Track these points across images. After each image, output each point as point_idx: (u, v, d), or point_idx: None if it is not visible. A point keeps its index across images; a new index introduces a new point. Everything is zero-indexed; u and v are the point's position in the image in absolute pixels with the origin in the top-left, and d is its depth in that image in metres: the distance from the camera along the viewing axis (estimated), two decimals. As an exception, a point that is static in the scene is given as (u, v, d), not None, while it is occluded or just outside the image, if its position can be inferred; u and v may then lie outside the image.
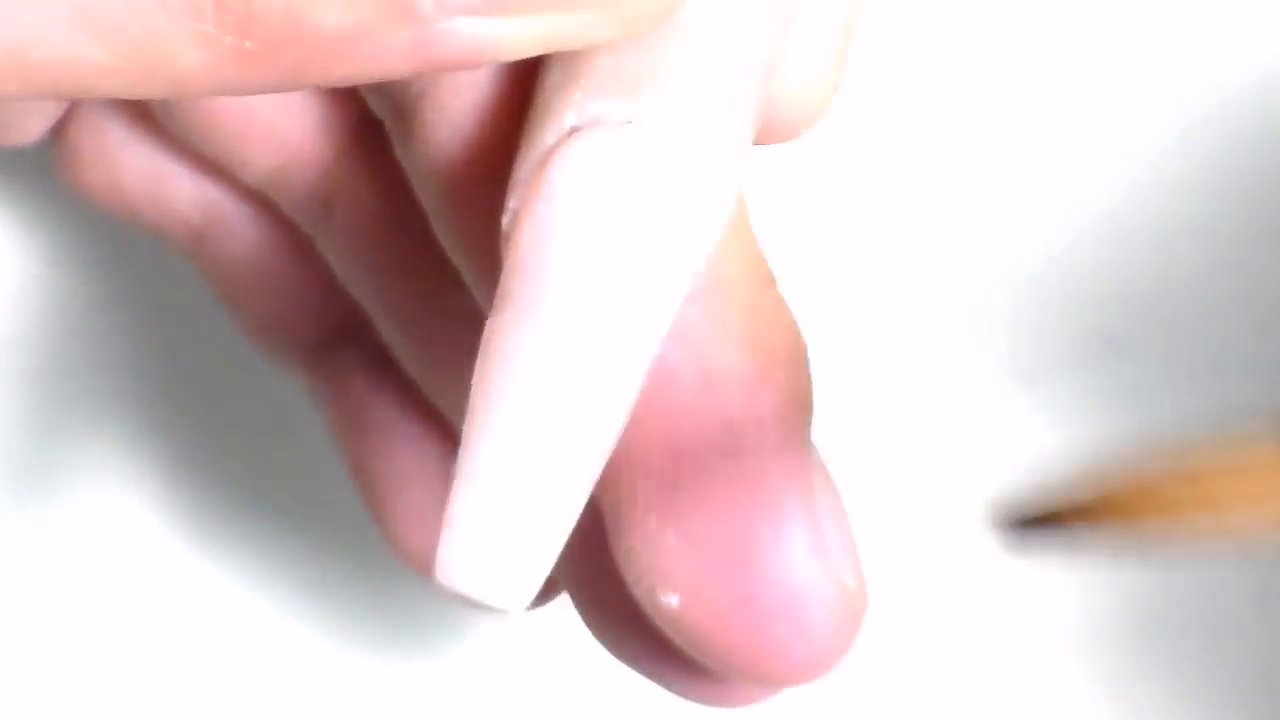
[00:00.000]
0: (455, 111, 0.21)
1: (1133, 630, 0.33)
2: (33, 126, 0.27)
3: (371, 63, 0.18)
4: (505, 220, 0.20)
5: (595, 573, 0.23)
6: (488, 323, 0.20)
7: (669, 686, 0.24)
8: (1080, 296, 0.32)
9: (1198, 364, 0.32)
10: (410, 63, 0.19)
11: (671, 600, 0.21)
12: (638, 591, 0.22)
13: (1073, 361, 0.32)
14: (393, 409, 0.27)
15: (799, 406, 0.22)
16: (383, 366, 0.27)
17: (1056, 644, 0.33)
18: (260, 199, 0.27)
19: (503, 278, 0.20)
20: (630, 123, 0.20)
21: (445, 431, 0.26)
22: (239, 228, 0.27)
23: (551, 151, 0.20)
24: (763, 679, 0.22)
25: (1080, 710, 0.33)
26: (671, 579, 0.21)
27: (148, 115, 0.27)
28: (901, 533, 0.33)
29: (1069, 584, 0.33)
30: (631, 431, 0.21)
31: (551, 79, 0.20)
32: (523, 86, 0.21)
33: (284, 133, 0.25)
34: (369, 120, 0.24)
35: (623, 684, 0.32)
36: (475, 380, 0.20)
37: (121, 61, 0.18)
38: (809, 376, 0.22)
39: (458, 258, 0.22)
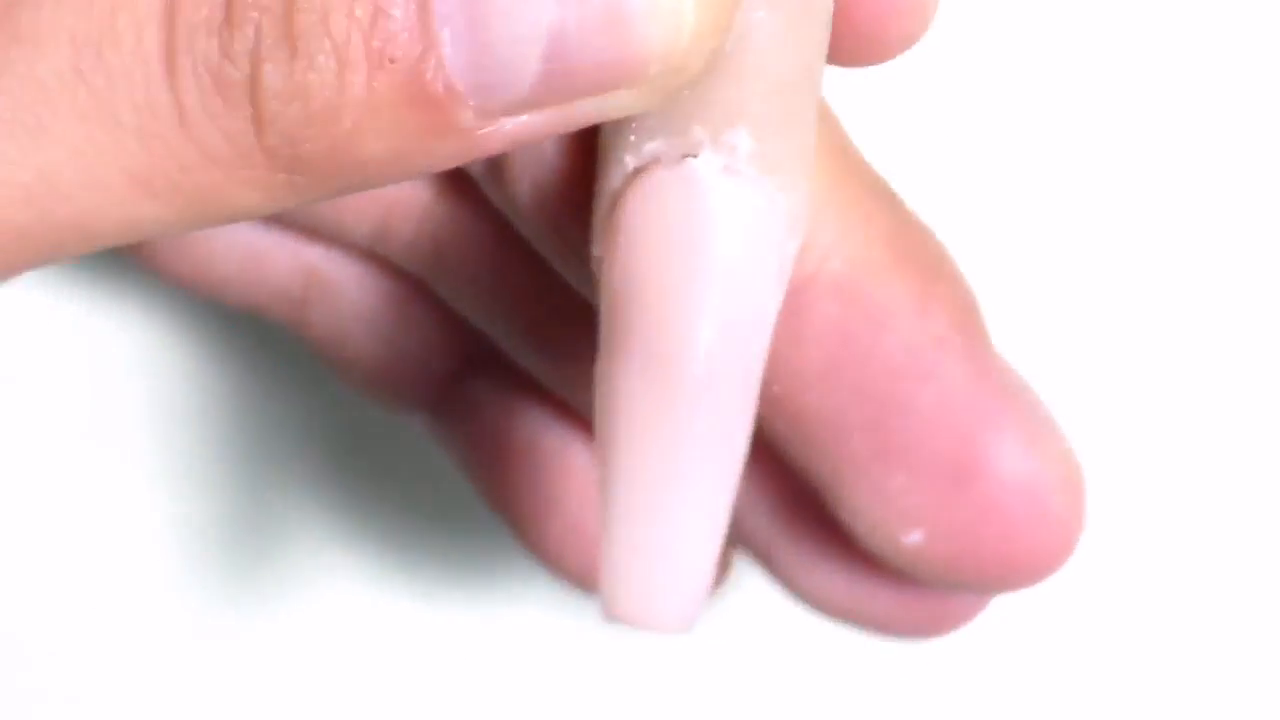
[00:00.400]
0: (545, 146, 0.22)
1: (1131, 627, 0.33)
2: None
3: (418, 169, 0.19)
4: (593, 266, 0.21)
5: (796, 546, 0.24)
6: (596, 366, 0.20)
7: (877, 626, 0.25)
8: (1077, 295, 0.32)
9: (1199, 363, 0.32)
10: (456, 161, 0.19)
11: (915, 538, 0.22)
12: (875, 542, 0.22)
13: (1070, 362, 0.32)
14: (532, 431, 0.27)
15: (968, 309, 0.22)
16: (514, 390, 0.27)
17: (1054, 641, 0.33)
18: (363, 252, 0.27)
19: (600, 324, 0.20)
20: (686, 157, 0.20)
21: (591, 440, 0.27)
22: (344, 286, 0.27)
23: (618, 196, 0.20)
24: (1013, 581, 0.22)
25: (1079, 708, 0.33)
26: (910, 517, 0.22)
27: None
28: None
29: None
30: (827, 395, 0.21)
31: (608, 123, 0.21)
32: None
33: (379, 189, 0.25)
34: None
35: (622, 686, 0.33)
36: (597, 422, 0.20)
37: (179, 214, 0.19)
38: (961, 273, 0.22)
39: (568, 276, 0.23)
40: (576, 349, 0.24)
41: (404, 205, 0.25)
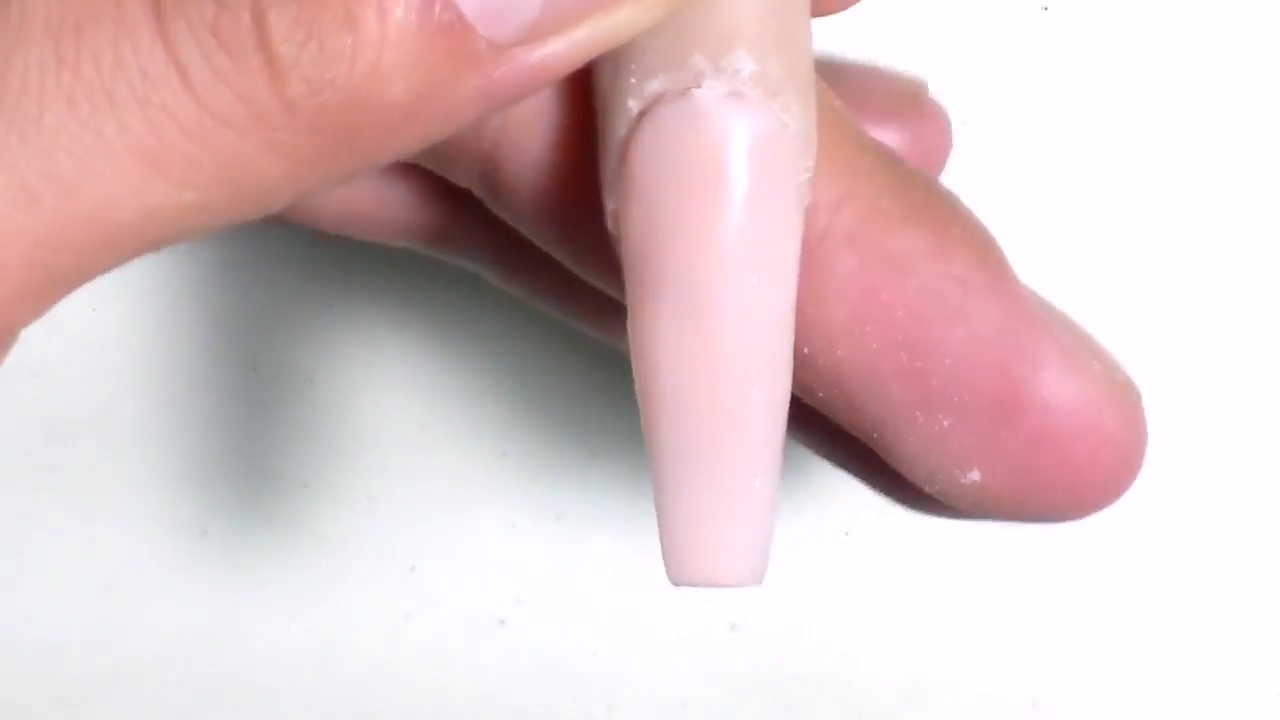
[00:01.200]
0: (533, 149, 0.22)
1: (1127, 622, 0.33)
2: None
3: (442, 117, 0.19)
4: (609, 223, 0.20)
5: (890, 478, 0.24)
6: (629, 325, 0.20)
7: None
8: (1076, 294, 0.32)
9: (1197, 362, 0.32)
10: (478, 106, 0.19)
11: (973, 476, 0.22)
12: (937, 487, 0.22)
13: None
14: None
15: (986, 247, 0.22)
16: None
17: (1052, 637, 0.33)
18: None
19: (625, 280, 0.20)
20: (688, 90, 0.20)
21: None
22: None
23: (626, 143, 0.20)
24: (1081, 507, 0.22)
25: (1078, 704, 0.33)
26: (963, 458, 0.22)
27: None
28: (898, 531, 0.33)
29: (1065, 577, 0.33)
30: (857, 348, 0.21)
31: (605, 76, 0.21)
32: (583, 94, 0.21)
33: (395, 217, 0.25)
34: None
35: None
36: (638, 387, 0.20)
37: (205, 196, 0.18)
38: (974, 215, 0.22)
39: (584, 272, 0.23)
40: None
41: (422, 231, 0.25)
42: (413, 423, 0.33)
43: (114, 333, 0.33)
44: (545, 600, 0.33)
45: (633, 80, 0.20)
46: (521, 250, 0.25)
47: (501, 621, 0.33)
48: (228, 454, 0.33)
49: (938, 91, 0.31)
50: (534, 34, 0.18)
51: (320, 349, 0.33)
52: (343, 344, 0.33)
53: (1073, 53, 0.31)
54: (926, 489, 0.22)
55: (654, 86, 0.20)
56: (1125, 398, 0.22)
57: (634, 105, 0.20)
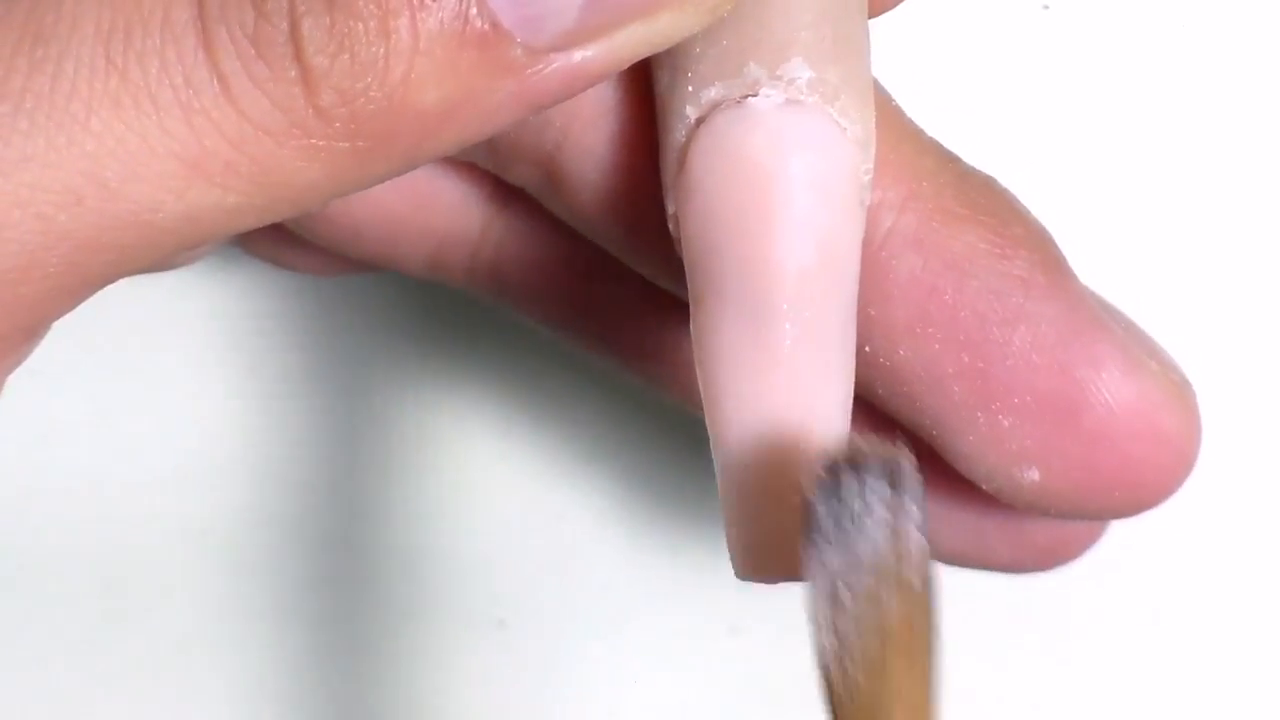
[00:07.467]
0: (597, 147, 0.22)
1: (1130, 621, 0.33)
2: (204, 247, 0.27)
3: (478, 122, 0.19)
4: (670, 226, 0.21)
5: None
6: (692, 325, 0.20)
7: (994, 566, 0.25)
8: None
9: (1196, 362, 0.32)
10: (515, 110, 0.19)
11: (1032, 475, 0.22)
12: (995, 485, 0.22)
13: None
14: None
15: (1046, 247, 0.22)
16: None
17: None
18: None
19: (688, 280, 0.20)
20: (745, 98, 0.20)
21: None
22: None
23: (685, 149, 0.20)
24: (1136, 505, 0.22)
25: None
26: (1024, 456, 0.22)
27: None
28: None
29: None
30: (920, 348, 0.21)
31: (662, 80, 0.21)
32: (649, 94, 0.21)
33: (427, 222, 0.25)
34: (505, 184, 0.24)
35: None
36: (701, 384, 0.20)
37: (244, 199, 0.18)
38: (1031, 213, 0.22)
39: (644, 269, 0.23)
40: (644, 345, 0.25)
41: (456, 235, 0.25)
42: (412, 422, 0.33)
43: (114, 333, 0.33)
44: (545, 600, 0.33)
45: (690, 88, 0.20)
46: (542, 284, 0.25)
47: (501, 622, 0.33)
48: (228, 454, 0.33)
49: (938, 91, 0.31)
50: (571, 40, 0.18)
51: (320, 349, 0.33)
52: (343, 344, 0.33)
53: (1073, 53, 0.31)
54: (985, 487, 0.23)
55: (711, 95, 0.20)
56: (1182, 397, 0.22)
57: (691, 112, 0.20)
